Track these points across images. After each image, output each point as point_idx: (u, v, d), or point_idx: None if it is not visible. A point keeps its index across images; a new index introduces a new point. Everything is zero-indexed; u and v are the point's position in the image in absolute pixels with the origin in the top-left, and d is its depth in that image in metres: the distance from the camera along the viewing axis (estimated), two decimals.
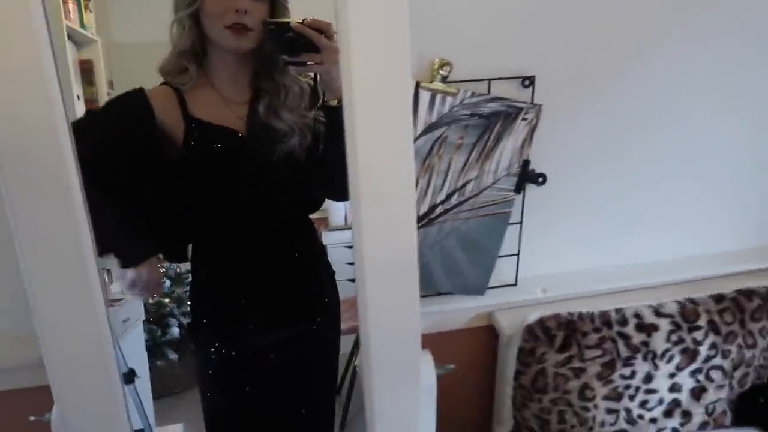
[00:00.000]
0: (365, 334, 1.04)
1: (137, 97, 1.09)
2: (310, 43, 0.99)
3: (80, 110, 1.46)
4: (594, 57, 1.44)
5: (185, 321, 2.49)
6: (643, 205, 1.63)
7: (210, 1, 1.04)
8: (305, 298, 1.24)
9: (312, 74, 1.17)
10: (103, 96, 1.55)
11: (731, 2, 1.49)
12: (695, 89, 1.55)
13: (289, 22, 0.99)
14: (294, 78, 1.16)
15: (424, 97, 1.33)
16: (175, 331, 2.48)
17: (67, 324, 0.95)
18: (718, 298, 1.51)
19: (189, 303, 1.28)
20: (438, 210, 1.43)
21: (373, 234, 1.01)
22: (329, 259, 1.35)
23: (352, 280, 1.35)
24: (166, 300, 2.53)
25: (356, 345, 1.68)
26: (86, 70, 1.56)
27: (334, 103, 1.06)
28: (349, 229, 1.60)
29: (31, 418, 1.18)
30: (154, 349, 2.37)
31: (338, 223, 1.79)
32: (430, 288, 1.52)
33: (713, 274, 1.68)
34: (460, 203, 1.44)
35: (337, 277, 1.32)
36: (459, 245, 1.48)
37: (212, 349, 1.19)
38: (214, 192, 1.13)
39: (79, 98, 1.58)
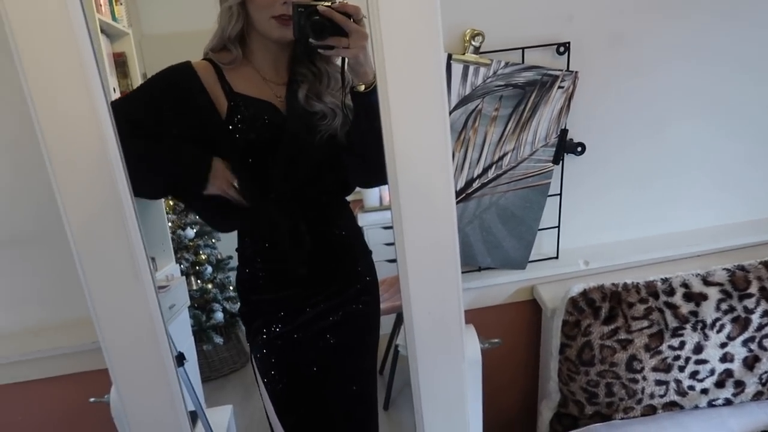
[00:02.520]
0: (408, 310, 1.05)
1: (185, 68, 1.12)
2: (338, 26, 0.99)
3: None
4: (630, 20, 1.39)
5: (228, 306, 2.55)
6: (687, 171, 1.58)
7: None
8: (352, 277, 1.26)
9: (339, 61, 1.17)
10: None
11: None
12: (738, 49, 1.48)
13: (316, 6, 0.99)
14: (337, 66, 1.17)
15: (457, 69, 1.31)
16: (219, 315, 2.54)
17: (120, 310, 0.99)
18: None
19: (240, 291, 1.28)
20: (475, 184, 1.42)
21: (412, 212, 1.01)
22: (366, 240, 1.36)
23: (390, 261, 1.35)
24: (209, 286, 2.59)
25: (397, 324, 1.69)
26: (120, 63, 1.59)
27: (361, 88, 1.06)
28: (384, 210, 1.61)
29: (91, 400, 1.23)
30: (199, 334, 2.43)
31: (373, 205, 1.80)
32: (470, 263, 1.51)
33: (763, 240, 1.62)
34: (498, 176, 1.42)
35: (374, 257, 1.34)
36: (498, 219, 1.46)
37: (273, 335, 1.21)
38: (256, 167, 1.14)
39: (115, 90, 1.61)
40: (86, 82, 0.87)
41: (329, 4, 0.99)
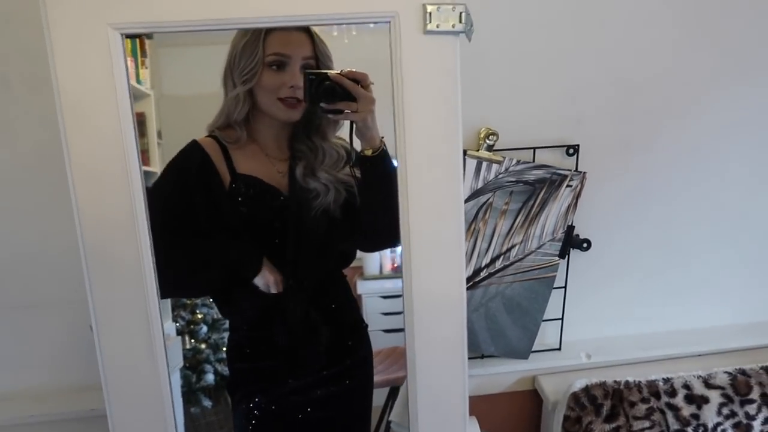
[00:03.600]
0: (413, 401, 1.06)
1: (194, 149, 1.16)
2: (347, 92, 1.05)
3: None
4: (636, 125, 1.47)
5: (220, 368, 2.53)
6: (689, 271, 1.62)
7: (267, 77, 1.11)
8: (342, 353, 1.26)
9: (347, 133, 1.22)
10: (154, 146, 1.63)
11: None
12: (738, 151, 1.55)
13: (327, 73, 1.06)
14: (333, 144, 1.22)
15: (471, 164, 1.37)
16: (210, 377, 2.50)
17: (131, 384, 1.01)
18: None
19: (227, 359, 1.30)
20: (483, 273, 1.45)
21: (423, 303, 1.04)
22: (363, 310, 1.38)
23: (387, 331, 1.35)
24: (203, 346, 2.57)
25: (390, 397, 1.68)
26: (139, 123, 1.66)
27: (368, 152, 1.10)
28: (384, 278, 1.61)
29: None
30: (188, 395, 2.39)
31: (373, 273, 1.81)
32: (474, 350, 1.53)
33: (765, 344, 1.64)
34: (505, 267, 1.45)
35: (371, 327, 1.33)
36: (503, 308, 1.49)
37: (252, 405, 1.21)
38: (257, 243, 1.17)
39: None
40: (124, 147, 0.92)
41: (339, 71, 1.06)
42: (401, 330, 1.04)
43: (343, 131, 1.18)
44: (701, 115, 1.50)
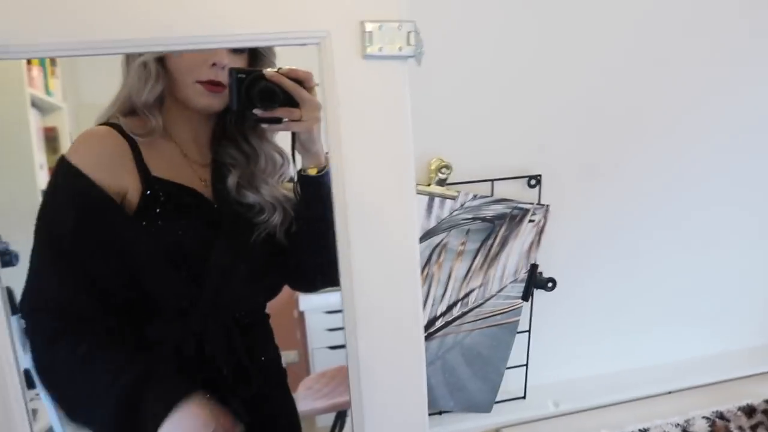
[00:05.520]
0: None
1: (67, 175, 0.90)
2: (288, 95, 0.84)
3: (42, 180, 1.34)
4: (602, 153, 1.34)
5: None
6: (659, 304, 1.50)
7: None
8: (265, 406, 1.04)
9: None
10: None
11: (736, 96, 1.41)
12: (707, 182, 1.45)
13: (261, 71, 0.85)
14: (274, 145, 1.00)
15: (421, 201, 1.20)
16: None
17: None
18: (749, 412, 1.36)
19: None
20: (438, 323, 1.28)
21: (374, 365, 0.87)
22: (306, 327, 1.26)
23: (332, 347, 1.16)
24: None
25: (336, 423, 1.50)
26: (51, 138, 1.47)
27: (313, 172, 0.91)
28: (328, 292, 1.43)
29: None
30: None
31: None
32: (431, 407, 1.35)
33: (741, 375, 1.54)
34: (463, 314, 1.29)
35: (315, 344, 1.21)
36: (462, 359, 1.32)
37: None
38: (171, 272, 0.92)
39: (42, 167, 1.47)
40: None
41: (276, 69, 0.85)
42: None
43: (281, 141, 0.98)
44: (669, 144, 1.39)
